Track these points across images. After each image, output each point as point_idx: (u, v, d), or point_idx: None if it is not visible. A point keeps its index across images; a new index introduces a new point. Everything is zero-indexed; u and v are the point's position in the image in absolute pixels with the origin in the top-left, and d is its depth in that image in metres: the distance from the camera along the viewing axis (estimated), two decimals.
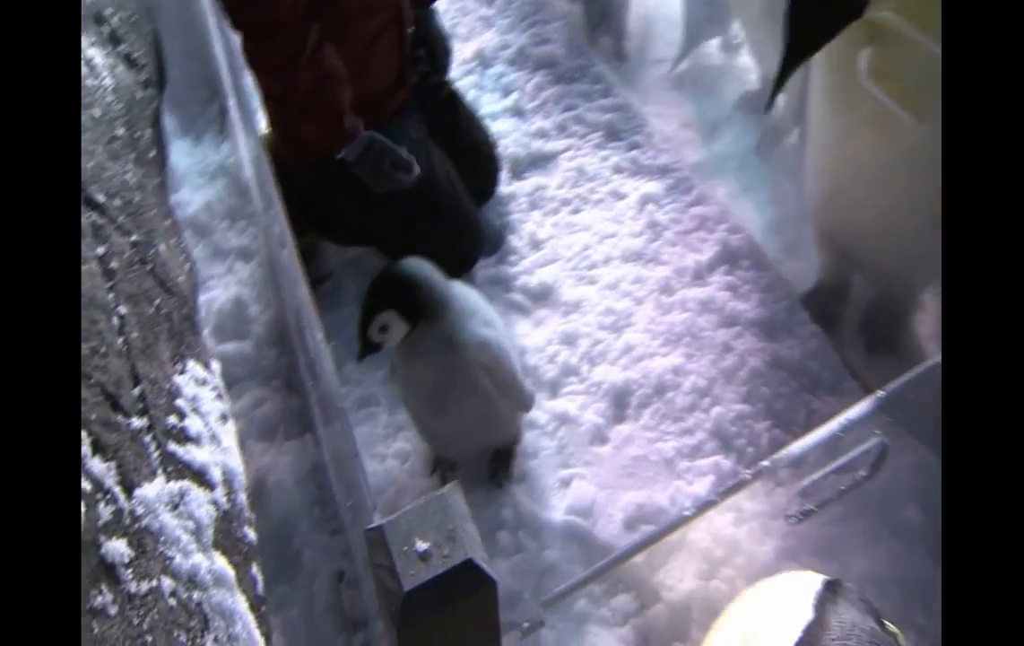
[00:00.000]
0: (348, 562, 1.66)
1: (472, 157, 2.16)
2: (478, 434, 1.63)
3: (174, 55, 2.61)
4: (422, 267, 1.41)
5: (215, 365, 1.04)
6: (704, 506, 1.10)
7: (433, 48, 2.15)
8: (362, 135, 1.81)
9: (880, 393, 1.22)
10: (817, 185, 1.84)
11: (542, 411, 1.85)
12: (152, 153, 1.04)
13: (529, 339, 1.99)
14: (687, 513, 1.10)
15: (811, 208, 1.93)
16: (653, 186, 2.29)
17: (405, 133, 1.95)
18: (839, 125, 1.69)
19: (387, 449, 1.81)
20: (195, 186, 2.31)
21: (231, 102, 2.30)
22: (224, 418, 0.91)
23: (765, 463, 1.15)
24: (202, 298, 2.03)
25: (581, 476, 1.76)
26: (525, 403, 1.65)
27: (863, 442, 1.20)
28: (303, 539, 1.71)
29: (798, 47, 1.44)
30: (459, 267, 1.88)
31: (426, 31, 2.13)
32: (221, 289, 2.08)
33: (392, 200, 1.85)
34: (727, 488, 1.14)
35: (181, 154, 2.36)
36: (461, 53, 2.69)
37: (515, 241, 2.18)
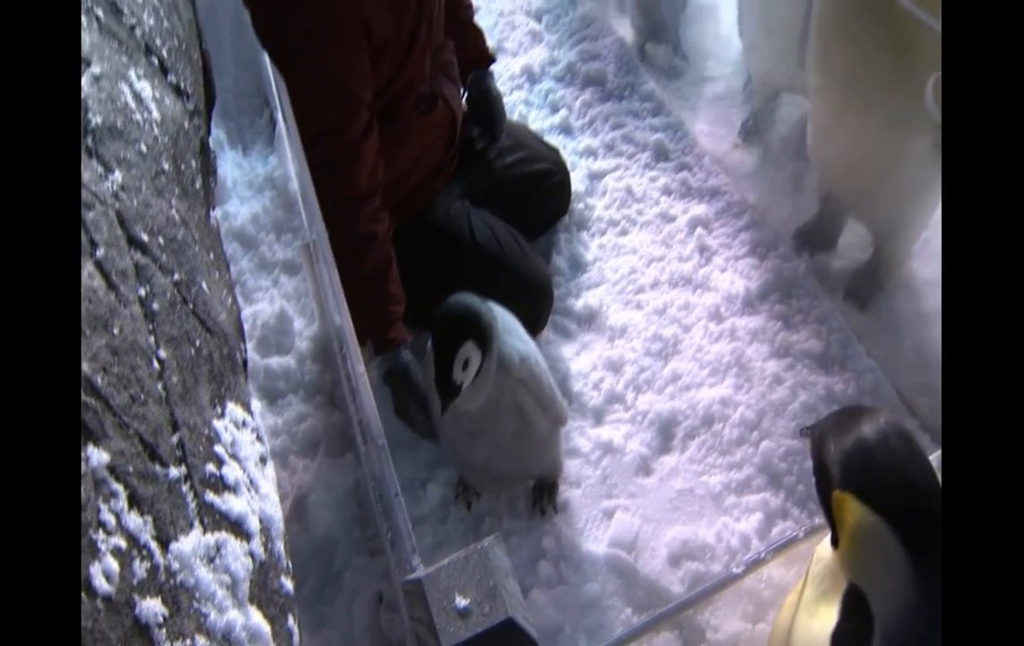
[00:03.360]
0: (388, 584, 1.65)
1: (539, 188, 2.14)
2: (514, 456, 1.60)
3: (226, 63, 2.62)
4: (471, 296, 1.39)
5: (256, 405, 1.03)
6: (755, 564, 1.06)
7: (489, 111, 2.10)
8: (402, 355, 1.74)
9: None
10: (818, 145, 1.97)
11: (586, 439, 1.82)
12: (197, 184, 1.04)
13: (573, 364, 1.95)
14: (737, 571, 1.06)
15: (813, 160, 2.04)
16: (703, 209, 2.24)
17: (446, 210, 1.94)
18: (835, 95, 1.82)
19: (430, 474, 1.79)
20: (242, 198, 2.32)
21: (280, 114, 2.30)
22: (263, 461, 0.89)
23: (820, 520, 1.10)
24: (247, 311, 2.04)
25: (625, 508, 1.72)
26: (562, 417, 1.62)
27: None
28: (343, 560, 1.70)
29: None
30: (531, 327, 1.75)
31: (482, 94, 2.10)
32: (266, 302, 2.08)
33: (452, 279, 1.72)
34: (779, 544, 1.09)
35: (230, 165, 2.37)
36: (510, 68, 2.67)
37: (560, 262, 2.15)
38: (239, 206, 2.29)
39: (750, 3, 2.29)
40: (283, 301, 2.09)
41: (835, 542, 1.04)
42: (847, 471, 1.01)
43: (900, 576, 0.94)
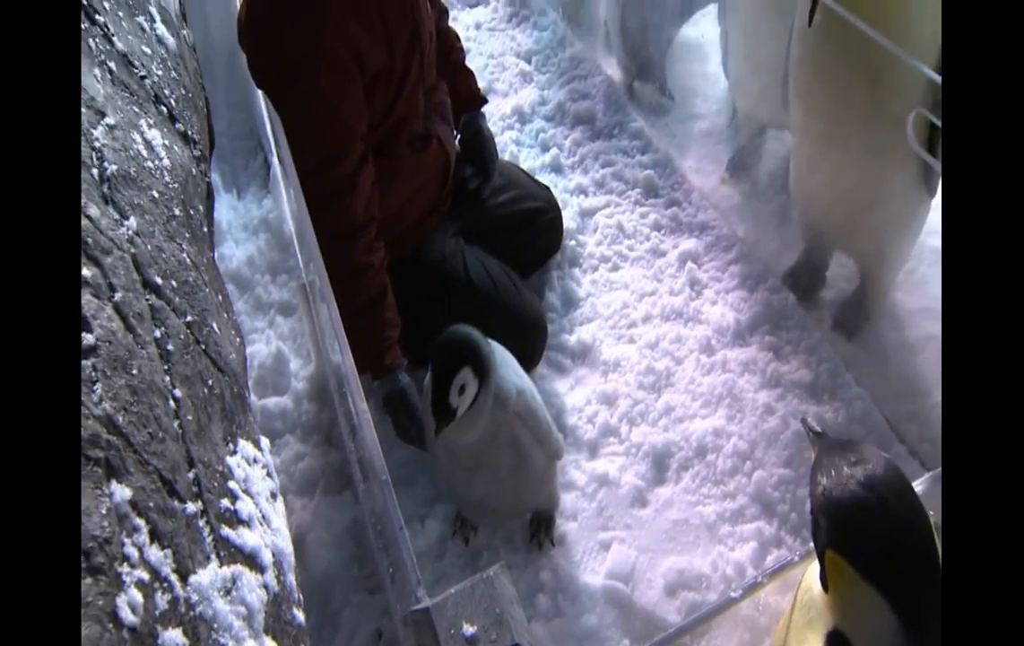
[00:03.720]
0: (387, 621, 1.65)
1: (532, 226, 2.18)
2: (511, 490, 1.62)
3: (220, 106, 2.66)
4: (469, 328, 1.42)
5: (265, 442, 1.05)
6: (752, 588, 1.08)
7: (482, 151, 2.14)
8: (399, 378, 1.78)
9: (938, 471, 1.19)
10: (800, 182, 2.04)
11: (581, 472, 1.84)
12: (204, 228, 1.07)
13: (568, 398, 1.98)
14: (734, 595, 1.08)
15: (796, 200, 2.11)
16: (693, 243, 2.28)
17: (440, 249, 1.98)
18: (816, 130, 1.90)
19: (427, 510, 1.80)
20: (237, 240, 2.34)
21: (274, 157, 2.34)
22: (274, 496, 0.91)
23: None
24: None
25: (621, 540, 1.74)
26: (558, 452, 1.64)
27: None
28: (342, 597, 1.70)
29: None
30: (526, 363, 1.77)
31: (475, 135, 2.14)
32: (263, 343, 2.10)
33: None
34: (776, 568, 1.11)
35: (224, 208, 2.40)
36: (500, 108, 2.72)
37: (553, 298, 2.18)
38: (234, 248, 2.31)
39: (735, 42, 2.36)
40: (279, 342, 2.11)
41: (824, 586, 1.00)
42: (841, 533, 0.96)
43: (890, 639, 0.90)
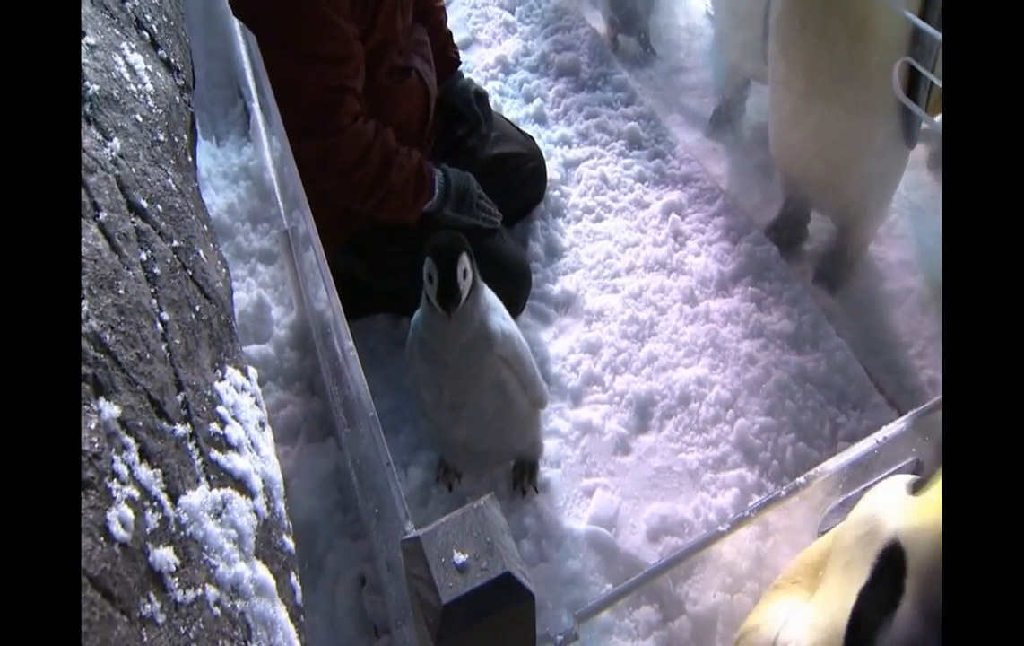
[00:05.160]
0: (371, 566, 1.66)
1: (516, 175, 2.17)
2: (495, 433, 1.62)
3: (198, 55, 2.61)
4: None
5: (252, 371, 1.04)
6: (737, 522, 1.09)
7: (480, 105, 2.14)
8: (436, 175, 1.87)
9: (915, 411, 1.20)
10: (780, 138, 2.04)
11: (564, 420, 1.85)
12: (189, 158, 1.04)
13: (552, 347, 1.98)
14: (721, 529, 1.09)
15: (776, 156, 2.10)
16: (676, 195, 2.28)
17: None
18: (798, 86, 1.89)
19: (411, 458, 1.80)
20: (217, 188, 2.31)
21: (254, 103, 2.30)
22: (262, 425, 0.91)
23: (800, 480, 1.14)
24: None
25: (604, 486, 1.75)
26: (542, 399, 1.64)
27: (898, 460, 1.19)
28: (326, 543, 1.70)
29: None
30: (510, 311, 1.79)
31: (468, 92, 2.14)
32: (244, 291, 2.08)
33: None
34: (760, 503, 1.12)
35: (204, 155, 2.36)
36: (484, 59, 2.69)
37: (537, 248, 2.17)
38: (214, 196, 2.28)
39: None
40: (260, 290, 2.09)
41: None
42: None
43: None
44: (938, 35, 1.53)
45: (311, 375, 1.95)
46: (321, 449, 1.83)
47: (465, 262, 1.37)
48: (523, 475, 1.74)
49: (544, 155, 2.27)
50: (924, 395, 1.85)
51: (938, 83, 1.60)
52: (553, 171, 2.32)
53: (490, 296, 1.51)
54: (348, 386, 1.40)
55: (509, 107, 2.55)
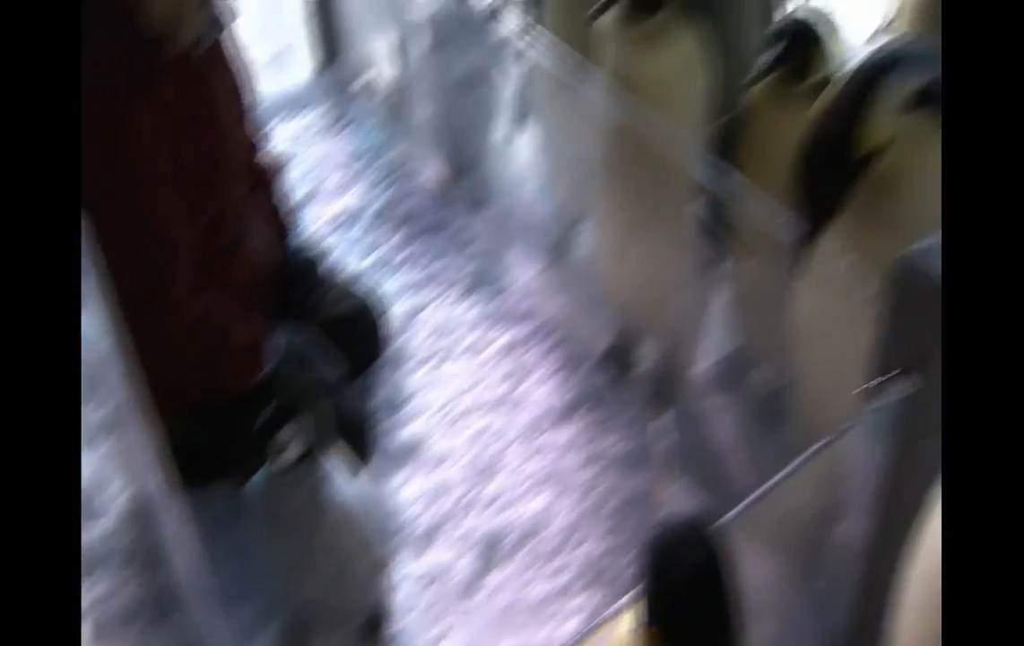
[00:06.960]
0: None
1: (354, 330, 2.22)
2: (338, 591, 1.61)
3: None
4: None
5: None
6: (582, 637, 1.13)
7: (308, 271, 2.23)
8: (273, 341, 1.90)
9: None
10: (607, 272, 2.19)
11: (414, 567, 1.85)
12: None
13: (399, 495, 2.00)
14: None
15: (605, 288, 2.23)
16: (516, 332, 2.37)
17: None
18: (618, 224, 2.03)
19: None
20: None
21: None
22: None
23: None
24: None
25: (453, 632, 1.75)
26: (387, 556, 1.66)
27: None
28: None
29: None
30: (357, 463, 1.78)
31: (295, 261, 2.23)
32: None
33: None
34: (600, 619, 1.17)
35: None
36: (325, 213, 2.76)
37: (381, 398, 2.21)
38: None
39: (545, 144, 2.52)
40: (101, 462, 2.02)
41: None
42: None
43: None
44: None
45: (150, 551, 1.89)
46: (160, 632, 1.76)
47: (301, 427, 1.42)
48: (370, 633, 1.72)
49: (386, 304, 2.33)
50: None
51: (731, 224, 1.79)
52: (396, 320, 2.37)
53: (332, 455, 1.53)
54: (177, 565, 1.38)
55: (352, 258, 2.61)
